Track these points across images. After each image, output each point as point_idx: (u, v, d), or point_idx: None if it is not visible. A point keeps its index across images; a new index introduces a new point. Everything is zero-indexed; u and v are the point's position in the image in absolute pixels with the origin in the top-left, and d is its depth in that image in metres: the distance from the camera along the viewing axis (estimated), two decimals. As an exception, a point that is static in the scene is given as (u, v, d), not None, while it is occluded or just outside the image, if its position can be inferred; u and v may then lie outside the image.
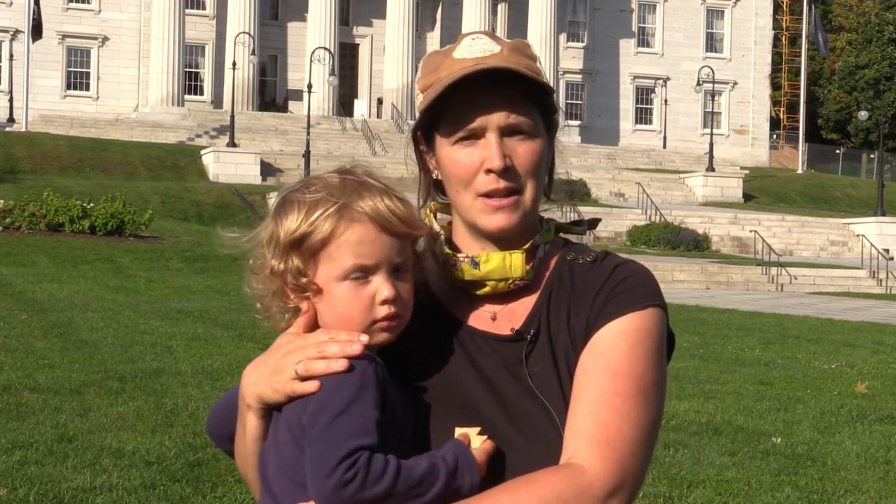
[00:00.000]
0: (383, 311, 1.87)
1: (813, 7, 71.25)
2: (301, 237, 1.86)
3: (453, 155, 1.93)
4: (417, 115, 1.98)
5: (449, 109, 1.92)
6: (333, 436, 1.74)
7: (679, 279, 33.54)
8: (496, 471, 1.85)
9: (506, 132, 1.91)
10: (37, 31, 56.98)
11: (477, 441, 1.86)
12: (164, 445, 7.76)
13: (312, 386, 1.80)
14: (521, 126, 1.92)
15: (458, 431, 1.87)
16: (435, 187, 2.04)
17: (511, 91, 1.91)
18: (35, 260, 27.34)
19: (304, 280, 1.87)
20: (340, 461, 1.72)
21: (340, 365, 1.78)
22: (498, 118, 1.90)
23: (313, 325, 1.90)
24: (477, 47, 1.93)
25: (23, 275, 24.06)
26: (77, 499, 6.38)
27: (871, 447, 8.96)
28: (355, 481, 1.72)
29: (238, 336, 14.68)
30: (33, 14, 56.25)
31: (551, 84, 1.97)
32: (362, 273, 1.86)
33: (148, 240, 31.96)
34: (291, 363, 1.83)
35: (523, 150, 1.92)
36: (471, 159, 1.92)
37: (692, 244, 41.96)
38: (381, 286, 1.87)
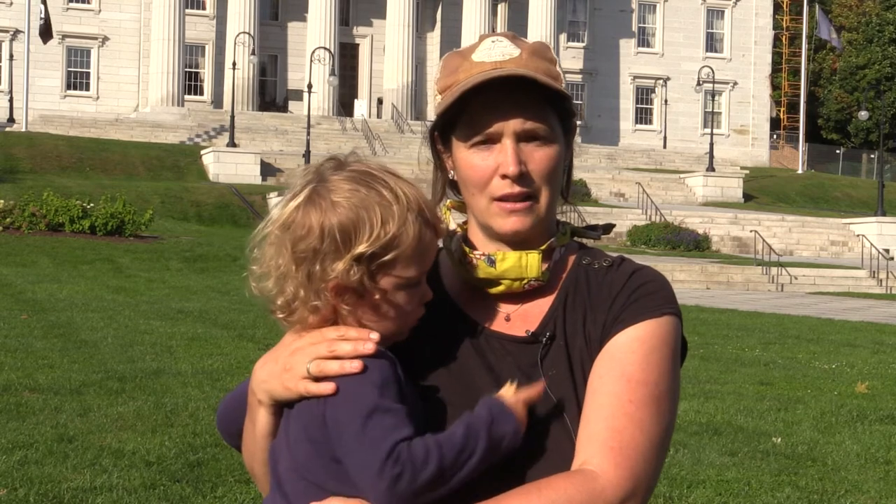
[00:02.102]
0: (422, 310, 1.90)
1: (817, 6, 71.20)
2: (377, 251, 1.80)
3: (469, 158, 1.93)
4: (435, 115, 1.98)
5: (466, 113, 1.91)
6: (369, 439, 1.73)
7: (679, 279, 33.52)
8: (508, 475, 1.84)
9: (522, 138, 1.91)
10: (46, 31, 57.00)
11: (511, 391, 1.85)
12: (164, 445, 7.76)
13: (328, 388, 1.78)
14: (537, 132, 1.91)
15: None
16: (451, 186, 2.04)
17: (528, 96, 1.91)
18: (35, 260, 27.33)
19: (369, 284, 1.81)
20: (384, 461, 1.72)
21: (354, 367, 1.77)
22: (514, 124, 1.90)
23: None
24: (496, 50, 1.93)
25: (23, 275, 24.05)
26: (77, 499, 6.38)
27: (871, 447, 8.96)
28: (405, 474, 1.72)
29: (238, 336, 14.68)
30: (41, 14, 56.29)
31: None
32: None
33: (148, 240, 31.95)
34: (301, 361, 1.82)
35: (539, 156, 1.92)
36: (486, 163, 1.92)
37: (692, 244, 41.95)
38: (427, 289, 1.89)
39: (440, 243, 1.95)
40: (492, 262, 1.95)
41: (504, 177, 1.90)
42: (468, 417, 1.81)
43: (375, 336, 1.80)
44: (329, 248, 1.80)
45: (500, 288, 1.96)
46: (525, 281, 1.95)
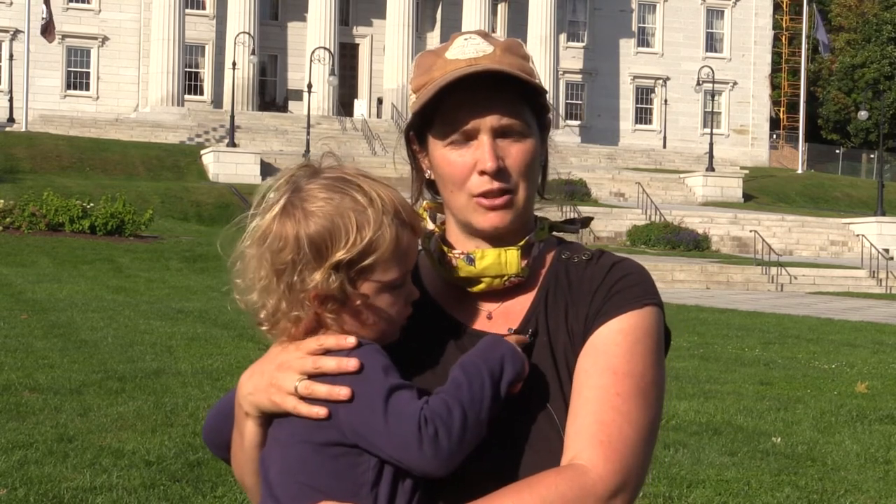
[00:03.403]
0: (409, 309, 1.90)
1: (814, 7, 71.23)
2: (354, 257, 1.80)
3: (447, 155, 1.93)
4: (410, 115, 1.98)
5: (442, 111, 1.92)
6: (396, 417, 1.75)
7: (679, 279, 33.54)
8: (498, 472, 1.85)
9: (498, 133, 1.92)
10: (48, 31, 56.95)
11: None
12: (164, 445, 7.76)
13: (321, 412, 1.79)
14: (513, 127, 1.92)
15: None
16: (428, 186, 2.04)
17: (504, 93, 1.91)
18: (35, 260, 27.33)
19: (350, 290, 1.81)
20: (418, 428, 1.74)
21: (344, 393, 1.77)
22: (491, 120, 1.90)
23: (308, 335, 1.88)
24: (469, 48, 1.93)
25: (23, 275, 24.05)
26: (77, 499, 6.39)
27: (871, 447, 8.96)
28: (440, 429, 1.75)
29: (238, 336, 14.67)
30: (43, 14, 56.29)
31: (549, 84, 1.99)
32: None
33: (148, 240, 31.95)
34: (287, 377, 1.82)
35: (516, 151, 1.92)
36: (464, 160, 1.92)
37: (692, 244, 41.96)
38: (412, 289, 1.90)
39: (419, 244, 1.95)
40: (471, 261, 1.95)
41: (482, 173, 1.90)
42: (460, 359, 1.84)
43: (352, 340, 1.81)
44: (306, 258, 1.81)
45: (481, 286, 1.96)
46: (505, 278, 1.95)
